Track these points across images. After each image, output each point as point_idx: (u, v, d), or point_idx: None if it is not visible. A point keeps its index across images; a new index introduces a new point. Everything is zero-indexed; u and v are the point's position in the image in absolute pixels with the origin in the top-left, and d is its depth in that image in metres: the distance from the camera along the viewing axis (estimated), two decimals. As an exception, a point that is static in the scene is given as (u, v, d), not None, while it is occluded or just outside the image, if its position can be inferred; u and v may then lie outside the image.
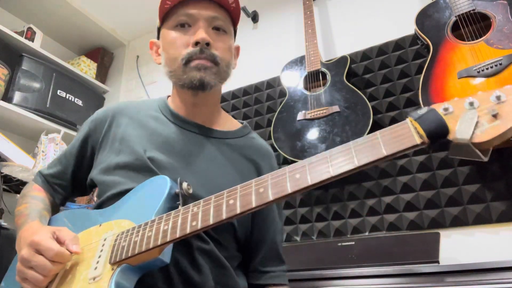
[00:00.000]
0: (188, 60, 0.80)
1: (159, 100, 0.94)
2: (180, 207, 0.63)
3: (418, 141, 0.44)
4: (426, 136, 0.44)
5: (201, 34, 0.80)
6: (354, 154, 0.48)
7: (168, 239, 0.59)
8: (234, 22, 0.90)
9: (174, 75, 0.83)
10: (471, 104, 0.44)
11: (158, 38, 0.92)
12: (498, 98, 0.42)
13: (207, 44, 0.80)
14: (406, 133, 0.46)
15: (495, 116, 0.42)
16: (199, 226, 0.56)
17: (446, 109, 0.45)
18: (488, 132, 0.41)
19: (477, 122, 0.42)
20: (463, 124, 0.42)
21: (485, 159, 0.42)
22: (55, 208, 0.91)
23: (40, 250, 0.65)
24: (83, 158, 0.90)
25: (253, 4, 2.24)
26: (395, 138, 0.46)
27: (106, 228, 0.71)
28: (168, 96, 0.95)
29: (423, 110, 0.46)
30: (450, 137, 0.43)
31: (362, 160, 0.47)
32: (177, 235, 0.58)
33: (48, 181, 0.92)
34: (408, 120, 0.47)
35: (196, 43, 0.80)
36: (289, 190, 0.51)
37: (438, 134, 0.44)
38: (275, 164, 0.94)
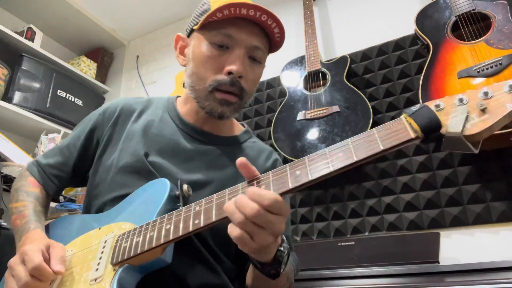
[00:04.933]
0: (215, 88, 0.77)
1: (168, 101, 0.92)
2: (181, 208, 0.63)
3: (412, 135, 0.47)
4: (421, 131, 0.47)
5: (237, 65, 0.76)
6: (352, 150, 0.50)
7: (171, 238, 0.59)
8: (271, 50, 0.86)
9: (196, 94, 0.81)
10: (461, 100, 0.46)
11: (188, 36, 0.85)
12: (486, 94, 0.45)
13: (240, 76, 0.77)
14: (401, 129, 0.48)
15: (483, 110, 0.44)
16: (201, 224, 0.57)
17: (437, 106, 0.48)
18: (478, 125, 0.44)
19: (467, 117, 0.45)
20: (454, 118, 0.45)
21: (476, 151, 0.45)
22: (47, 200, 0.87)
23: (24, 260, 0.63)
24: (87, 150, 0.88)
25: (253, 4, 2.24)
26: (391, 134, 0.49)
27: (107, 230, 0.71)
28: (177, 97, 0.93)
29: (416, 106, 0.49)
30: (443, 131, 0.46)
31: (361, 155, 0.49)
32: (180, 234, 0.58)
33: (45, 171, 0.87)
34: (402, 116, 0.50)
35: (229, 73, 0.76)
36: (290, 186, 0.53)
37: (431, 128, 0.46)
38: (278, 164, 0.91)
